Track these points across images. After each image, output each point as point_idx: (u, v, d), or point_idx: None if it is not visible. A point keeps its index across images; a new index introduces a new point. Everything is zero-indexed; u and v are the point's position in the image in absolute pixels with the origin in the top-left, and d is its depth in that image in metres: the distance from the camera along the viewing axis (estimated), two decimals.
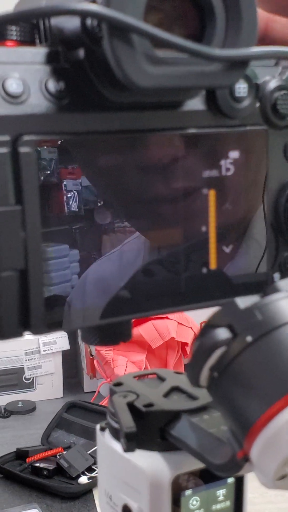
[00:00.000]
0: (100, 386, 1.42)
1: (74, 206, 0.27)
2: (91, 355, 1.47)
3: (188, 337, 1.34)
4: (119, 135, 0.27)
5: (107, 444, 0.33)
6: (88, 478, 1.14)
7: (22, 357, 1.47)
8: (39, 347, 1.47)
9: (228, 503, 0.33)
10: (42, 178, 0.26)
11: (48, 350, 1.49)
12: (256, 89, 0.29)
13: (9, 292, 0.25)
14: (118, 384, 0.34)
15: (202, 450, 0.29)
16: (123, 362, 1.33)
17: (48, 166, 0.27)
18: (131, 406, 0.32)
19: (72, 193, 0.27)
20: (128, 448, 0.30)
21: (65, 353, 1.50)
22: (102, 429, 0.34)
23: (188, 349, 1.35)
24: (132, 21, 0.23)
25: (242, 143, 0.30)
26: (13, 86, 0.25)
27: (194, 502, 0.32)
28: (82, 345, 1.51)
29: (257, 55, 0.25)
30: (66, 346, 1.49)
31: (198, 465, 0.31)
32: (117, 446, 0.32)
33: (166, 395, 0.33)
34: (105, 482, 0.34)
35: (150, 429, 0.32)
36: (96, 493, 1.13)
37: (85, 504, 1.11)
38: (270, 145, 0.31)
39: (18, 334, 0.26)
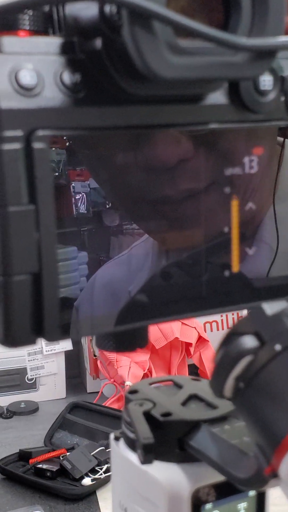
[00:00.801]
0: (103, 387, 1.42)
1: (82, 208, 0.27)
2: (94, 356, 1.47)
3: (191, 337, 1.34)
4: (137, 130, 0.26)
5: (122, 455, 0.32)
6: (92, 480, 1.13)
7: (25, 357, 1.46)
8: (42, 347, 1.46)
9: None
10: (52, 165, 0.25)
11: (51, 350, 1.48)
12: (281, 82, 0.28)
13: (22, 297, 0.24)
14: (134, 391, 0.33)
15: (223, 463, 0.28)
16: (127, 363, 1.32)
17: (56, 167, 0.26)
18: (147, 415, 0.31)
19: (80, 195, 0.27)
20: (146, 461, 0.29)
21: (68, 354, 1.49)
22: (117, 438, 0.33)
23: (191, 349, 1.35)
24: (154, 7, 0.21)
25: (266, 139, 0.28)
26: (27, 77, 0.23)
27: None
28: (85, 346, 1.50)
29: (286, 45, 0.24)
30: (69, 346, 1.48)
31: (218, 477, 0.30)
32: (133, 457, 0.31)
33: (184, 403, 0.32)
34: (120, 493, 0.33)
35: (168, 440, 0.30)
36: (100, 494, 1.12)
37: (89, 506, 1.11)
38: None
39: (31, 341, 0.25)
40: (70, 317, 0.26)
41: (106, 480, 1.13)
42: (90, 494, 1.12)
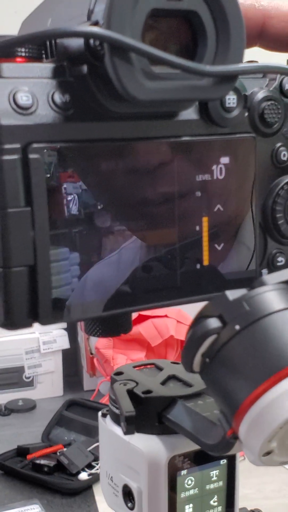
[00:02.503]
0: (100, 384, 1.44)
1: (74, 209, 0.29)
2: (91, 354, 1.48)
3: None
4: (119, 143, 0.30)
5: (108, 429, 0.36)
6: (88, 475, 1.15)
7: (23, 355, 1.47)
8: (39, 346, 1.48)
9: (221, 483, 0.35)
10: (45, 172, 0.27)
11: (48, 349, 1.49)
12: (244, 99, 0.32)
13: (20, 286, 0.28)
14: (119, 373, 0.37)
15: (196, 432, 0.32)
16: (123, 361, 1.34)
17: (48, 169, 0.28)
18: (131, 393, 0.34)
19: (72, 196, 0.28)
20: (128, 431, 0.33)
21: (65, 352, 1.51)
22: (104, 415, 0.37)
23: None
24: (130, 41, 0.25)
25: (232, 150, 0.32)
26: (23, 98, 0.27)
27: (189, 482, 0.34)
28: (82, 344, 1.52)
29: (244, 70, 0.28)
30: (66, 345, 1.50)
31: (192, 447, 0.33)
32: (118, 430, 0.35)
33: (164, 383, 0.36)
34: (107, 464, 0.36)
35: (148, 414, 0.34)
36: (96, 489, 1.15)
37: (85, 500, 1.13)
38: (258, 151, 0.33)
39: (28, 325, 0.28)
40: (62, 304, 0.29)
41: None
42: (86, 489, 1.14)
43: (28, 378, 1.50)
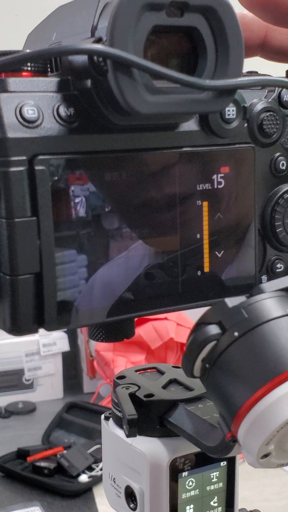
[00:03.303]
0: (99, 387, 1.44)
1: (82, 212, 0.29)
2: (91, 356, 1.49)
3: (186, 337, 1.36)
4: (122, 154, 0.31)
5: (111, 432, 0.37)
6: (88, 477, 1.16)
7: (22, 358, 1.48)
8: (39, 348, 1.49)
9: (221, 484, 0.36)
10: (50, 183, 0.28)
11: (48, 351, 1.50)
12: (244, 111, 0.33)
13: (26, 293, 0.29)
14: (121, 377, 0.38)
15: (197, 435, 0.33)
16: (123, 363, 1.35)
17: (56, 172, 0.29)
18: (133, 397, 0.35)
19: (79, 198, 0.29)
20: (130, 434, 0.34)
21: (65, 355, 1.51)
22: (107, 418, 0.38)
23: None
24: (133, 58, 0.26)
25: (232, 160, 0.33)
26: (29, 112, 0.28)
27: (190, 483, 0.35)
28: (82, 347, 1.53)
29: (243, 84, 0.29)
30: (66, 347, 1.50)
31: (193, 449, 0.34)
32: (120, 433, 0.36)
33: (165, 386, 0.37)
34: (109, 466, 0.37)
35: (150, 417, 0.35)
36: (96, 491, 1.16)
37: (86, 502, 1.13)
38: (257, 160, 0.34)
39: (34, 330, 0.29)
40: (68, 313, 0.30)
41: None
42: (86, 491, 1.15)
43: (28, 380, 1.51)
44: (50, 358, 1.51)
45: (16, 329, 0.29)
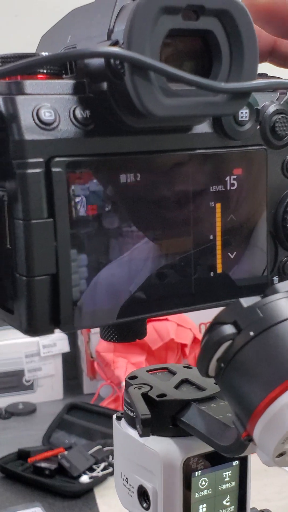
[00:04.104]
0: (100, 388, 1.44)
1: (82, 211, 0.30)
2: (91, 357, 1.49)
3: (187, 338, 1.37)
4: (137, 156, 0.31)
5: (124, 431, 0.37)
6: (89, 478, 1.16)
7: (22, 359, 1.48)
8: (39, 349, 1.49)
9: (233, 483, 0.36)
10: (66, 185, 0.28)
11: (48, 352, 1.50)
12: (256, 113, 0.33)
13: (42, 294, 0.29)
14: (133, 377, 0.38)
15: (210, 435, 0.33)
16: (123, 364, 1.35)
17: (71, 174, 0.28)
18: (145, 397, 0.36)
19: (80, 197, 0.29)
20: (144, 433, 0.34)
21: (65, 355, 1.52)
22: (119, 418, 0.38)
23: (187, 350, 1.38)
24: (151, 61, 0.26)
25: (244, 162, 0.34)
26: (46, 114, 0.28)
27: (203, 482, 0.35)
28: (82, 347, 1.53)
29: (258, 87, 0.29)
30: (66, 348, 1.50)
31: (206, 448, 0.35)
32: (133, 433, 0.36)
33: (177, 386, 0.37)
34: (122, 466, 0.37)
35: (163, 417, 0.35)
36: (97, 492, 1.16)
37: (87, 503, 1.14)
38: (269, 162, 0.34)
39: (50, 331, 0.29)
40: (82, 312, 0.30)
41: (104, 478, 1.17)
42: (88, 492, 1.15)
43: (28, 381, 1.51)
44: (50, 359, 1.51)
45: (33, 329, 0.29)
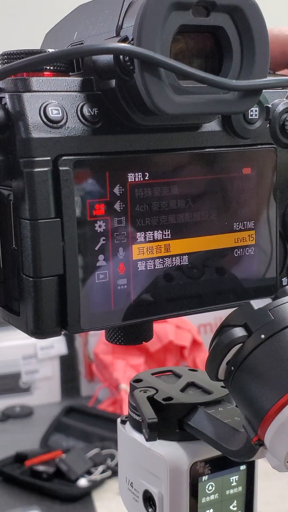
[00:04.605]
0: (98, 390, 1.44)
1: (89, 211, 0.29)
2: (89, 359, 1.49)
3: (186, 340, 1.36)
4: (145, 154, 0.30)
5: (129, 435, 0.36)
6: (88, 481, 1.15)
7: (19, 361, 1.48)
8: (36, 351, 1.48)
9: (240, 488, 0.36)
10: (74, 184, 0.27)
11: (46, 354, 1.50)
12: (266, 111, 0.33)
13: (49, 295, 0.28)
14: (138, 380, 0.37)
15: (218, 439, 0.32)
16: (122, 366, 1.34)
17: (79, 172, 0.28)
18: (151, 400, 0.35)
19: (87, 197, 0.29)
20: (150, 437, 0.33)
21: (62, 357, 1.51)
22: (123, 422, 0.37)
23: (186, 352, 1.37)
24: (162, 58, 0.26)
25: (254, 161, 0.33)
26: (53, 112, 0.28)
27: (210, 487, 0.35)
28: (80, 349, 1.52)
29: (270, 85, 0.29)
30: (63, 350, 1.50)
31: (213, 453, 0.34)
32: (138, 437, 0.35)
33: (183, 390, 0.36)
34: (126, 470, 0.37)
35: (169, 421, 0.35)
36: (95, 495, 1.15)
37: (85, 506, 1.13)
38: (279, 161, 0.34)
39: (57, 333, 0.29)
40: (90, 313, 0.30)
41: (102, 481, 1.17)
42: (86, 495, 1.14)
43: (25, 384, 1.50)
44: (48, 361, 1.50)
45: (39, 332, 0.28)
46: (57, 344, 1.49)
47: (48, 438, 1.33)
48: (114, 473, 1.16)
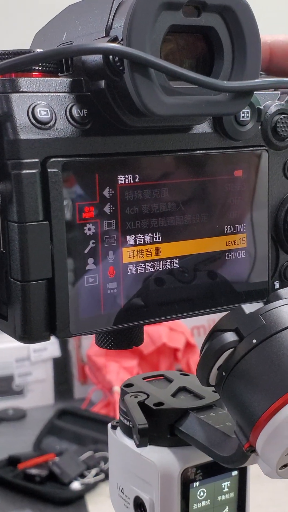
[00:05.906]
0: (91, 393, 1.43)
1: (79, 213, 0.29)
2: (82, 362, 1.48)
3: (179, 342, 1.36)
4: (135, 156, 0.30)
5: (119, 441, 0.36)
6: (81, 484, 1.15)
7: (12, 364, 1.47)
8: (30, 354, 1.48)
9: (232, 494, 0.35)
10: (63, 186, 0.27)
11: (39, 357, 1.49)
12: (258, 113, 0.32)
13: (38, 299, 0.28)
14: (129, 385, 0.37)
15: (210, 444, 0.32)
16: (115, 368, 1.34)
17: (68, 174, 0.28)
18: (142, 405, 0.34)
19: (66, 201, 0.28)
20: (141, 443, 0.33)
21: (55, 360, 1.51)
22: (114, 427, 0.37)
23: (179, 354, 1.37)
24: (152, 58, 0.26)
25: (245, 163, 0.33)
26: (42, 113, 0.27)
27: (201, 493, 0.34)
28: (73, 352, 1.52)
29: (261, 86, 0.28)
30: (57, 353, 1.49)
31: (204, 458, 0.34)
32: (129, 443, 0.35)
33: (174, 394, 0.36)
34: (117, 476, 0.36)
35: (160, 426, 0.34)
36: (89, 498, 1.15)
37: (78, 509, 1.13)
38: (270, 164, 0.33)
39: (46, 338, 0.28)
40: (79, 318, 0.29)
41: (95, 484, 1.16)
42: (79, 498, 1.14)
43: (18, 386, 1.49)
44: (41, 364, 1.50)
45: (27, 336, 0.28)
46: (50, 347, 1.49)
47: (41, 441, 1.33)
48: (108, 476, 1.16)
